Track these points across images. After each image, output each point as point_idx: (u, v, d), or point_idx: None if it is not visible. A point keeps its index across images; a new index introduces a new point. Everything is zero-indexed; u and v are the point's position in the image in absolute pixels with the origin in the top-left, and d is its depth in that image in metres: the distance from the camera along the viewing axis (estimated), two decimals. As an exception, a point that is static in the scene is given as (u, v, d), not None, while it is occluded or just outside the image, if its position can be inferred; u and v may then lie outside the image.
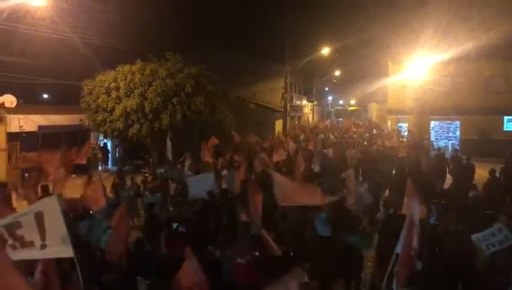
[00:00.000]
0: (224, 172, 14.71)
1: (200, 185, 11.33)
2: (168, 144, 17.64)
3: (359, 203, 9.84)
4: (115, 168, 25.50)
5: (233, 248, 7.34)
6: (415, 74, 31.52)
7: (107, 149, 27.86)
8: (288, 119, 35.07)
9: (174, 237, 8.07)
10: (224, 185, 12.71)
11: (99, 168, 26.55)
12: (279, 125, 36.27)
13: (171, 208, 10.83)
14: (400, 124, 35.63)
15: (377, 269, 8.05)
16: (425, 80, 31.18)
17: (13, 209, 8.32)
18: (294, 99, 42.84)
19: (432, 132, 33.35)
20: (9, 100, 22.68)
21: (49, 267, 5.21)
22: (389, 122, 38.20)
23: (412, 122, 33.19)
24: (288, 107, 34.60)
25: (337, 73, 54.83)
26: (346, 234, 8.13)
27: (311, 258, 7.00)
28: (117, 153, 27.82)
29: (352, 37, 35.51)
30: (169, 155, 17.37)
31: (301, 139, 27.87)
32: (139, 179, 15.89)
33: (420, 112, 32.01)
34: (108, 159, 27.66)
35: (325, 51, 34.94)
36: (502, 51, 28.09)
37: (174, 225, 8.62)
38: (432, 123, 33.44)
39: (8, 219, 5.59)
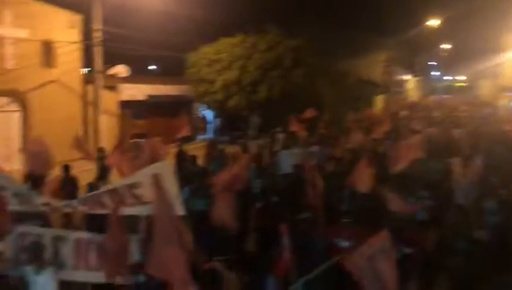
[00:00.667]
0: (314, 148, 14.25)
1: (289, 160, 11.27)
2: (255, 119, 17.55)
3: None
4: (214, 138, 26.45)
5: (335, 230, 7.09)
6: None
7: (208, 120, 28.94)
8: (389, 95, 33.73)
9: (266, 210, 8.12)
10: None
11: (199, 137, 27.71)
12: (379, 101, 34.99)
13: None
14: (514, 103, 32.63)
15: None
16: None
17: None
18: (396, 74, 40.92)
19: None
20: (123, 70, 24.40)
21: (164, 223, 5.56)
22: (502, 101, 35.09)
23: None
24: (389, 83, 33.18)
25: (445, 46, 51.14)
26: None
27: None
28: (217, 124, 28.82)
29: (464, 4, 32.60)
30: (253, 130, 17.26)
31: (401, 116, 26.51)
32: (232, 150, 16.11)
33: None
34: (208, 129, 28.77)
35: (433, 22, 32.70)
36: None
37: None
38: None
39: (129, 179, 6.26)
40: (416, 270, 5.74)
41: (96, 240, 5.80)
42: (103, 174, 10.78)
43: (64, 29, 19.38)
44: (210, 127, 29.12)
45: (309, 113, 18.69)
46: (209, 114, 29.19)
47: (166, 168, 6.03)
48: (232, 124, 27.16)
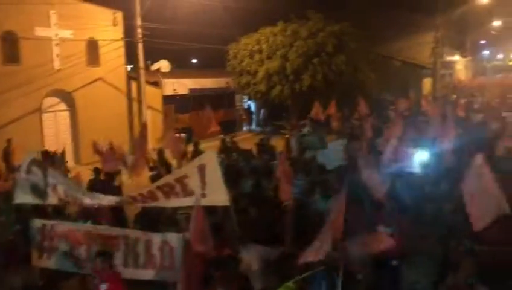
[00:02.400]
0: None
1: (329, 155, 10.71)
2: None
3: None
4: (258, 129, 26.35)
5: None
6: None
7: (251, 111, 28.84)
8: (438, 77, 32.35)
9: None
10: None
11: (244, 128, 27.68)
12: (427, 84, 33.65)
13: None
14: None
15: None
16: None
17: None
18: (444, 55, 39.14)
19: None
20: (165, 65, 24.61)
21: (202, 217, 5.59)
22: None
23: None
24: (438, 64, 31.80)
25: (497, 23, 48.46)
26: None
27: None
28: (261, 115, 28.64)
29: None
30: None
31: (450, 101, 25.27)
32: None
33: None
34: (252, 120, 28.66)
35: (484, -2, 30.97)
36: None
37: None
38: None
39: (177, 172, 6.64)
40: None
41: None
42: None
43: (107, 28, 19.66)
44: (254, 118, 29.00)
45: (331, 108, 18.06)
46: (252, 105, 29.06)
47: (211, 159, 6.11)
48: (276, 114, 26.89)
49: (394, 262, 6.66)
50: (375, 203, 7.23)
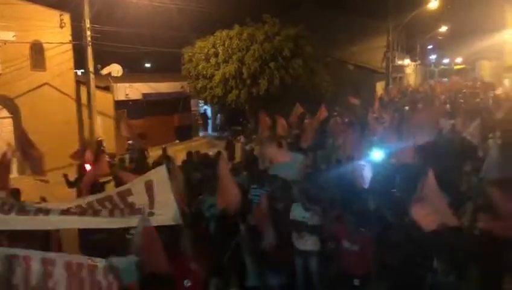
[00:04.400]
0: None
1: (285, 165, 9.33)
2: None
3: None
4: (215, 134, 25.88)
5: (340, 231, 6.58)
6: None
7: (207, 115, 28.30)
8: (389, 81, 33.02)
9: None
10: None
11: (200, 134, 27.11)
12: (380, 87, 34.29)
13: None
14: (519, 83, 31.94)
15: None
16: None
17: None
18: (396, 59, 40.15)
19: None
20: (116, 69, 23.68)
21: (152, 238, 5.13)
22: (506, 81, 34.41)
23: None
24: (390, 68, 32.48)
25: (443, 29, 50.29)
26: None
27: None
28: (217, 119, 28.15)
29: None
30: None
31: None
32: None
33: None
34: (208, 125, 28.13)
35: (432, 4, 31.92)
36: None
37: None
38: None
39: (122, 188, 5.95)
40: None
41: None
42: None
43: (53, 30, 18.58)
44: (210, 123, 28.49)
45: (298, 109, 17.79)
46: (208, 110, 28.54)
47: (160, 175, 5.71)
48: (233, 119, 26.50)
49: (356, 281, 6.42)
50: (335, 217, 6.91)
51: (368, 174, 8.49)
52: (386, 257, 6.33)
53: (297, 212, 7.04)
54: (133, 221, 5.36)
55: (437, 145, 10.41)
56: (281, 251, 6.59)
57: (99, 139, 17.97)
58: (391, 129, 12.29)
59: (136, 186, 5.64)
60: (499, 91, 28.34)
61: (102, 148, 15.43)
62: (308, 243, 6.92)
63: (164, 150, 12.96)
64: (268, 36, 22.56)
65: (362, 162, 8.72)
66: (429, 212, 5.95)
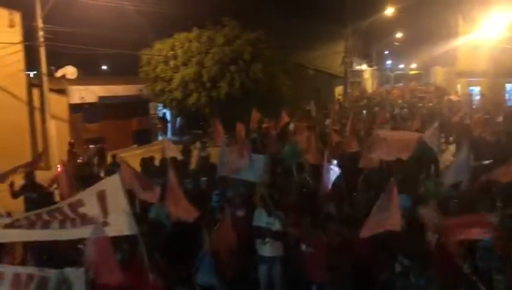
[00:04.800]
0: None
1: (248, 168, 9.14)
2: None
3: None
4: (174, 138, 25.41)
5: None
6: (490, 32, 28.82)
7: (166, 119, 27.82)
8: (348, 85, 33.56)
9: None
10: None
11: (159, 138, 26.58)
12: (339, 92, 34.81)
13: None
14: (471, 88, 33.09)
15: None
16: (501, 38, 28.46)
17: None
18: (354, 64, 40.93)
19: (507, 95, 30.77)
20: (71, 72, 22.84)
21: (106, 248, 5.00)
22: (458, 86, 35.65)
23: (485, 85, 30.68)
24: (348, 73, 33.03)
25: (399, 35, 51.79)
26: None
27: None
28: (177, 123, 27.69)
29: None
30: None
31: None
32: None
33: (495, 74, 29.45)
34: (167, 129, 27.62)
35: (389, 10, 32.71)
36: None
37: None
38: (508, 86, 30.79)
39: (72, 199, 5.64)
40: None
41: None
42: None
43: (2, 29, 17.70)
44: (170, 127, 27.97)
45: (255, 116, 17.71)
46: (168, 113, 28.05)
47: (113, 184, 5.45)
48: (193, 122, 26.13)
49: (314, 287, 6.36)
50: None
51: (332, 177, 8.47)
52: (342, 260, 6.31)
53: (261, 218, 6.90)
54: (85, 232, 5.15)
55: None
56: (244, 259, 6.44)
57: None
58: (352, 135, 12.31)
59: (88, 196, 5.40)
60: (452, 96, 29.33)
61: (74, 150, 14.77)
62: (272, 249, 6.79)
63: (113, 157, 12.48)
64: (228, 39, 22.47)
65: (328, 166, 8.66)
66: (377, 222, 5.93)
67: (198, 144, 14.42)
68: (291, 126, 16.70)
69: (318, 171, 8.90)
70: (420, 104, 26.35)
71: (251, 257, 6.93)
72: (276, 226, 6.76)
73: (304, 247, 6.36)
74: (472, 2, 28.60)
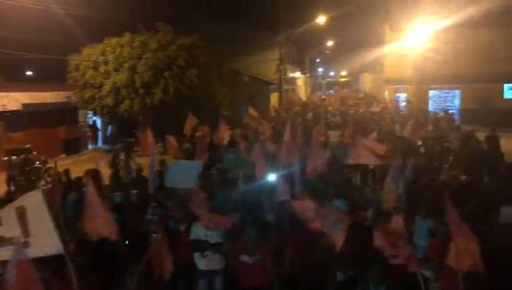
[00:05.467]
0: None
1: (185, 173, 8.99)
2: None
3: None
4: (106, 147, 24.46)
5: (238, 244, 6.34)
6: (415, 42, 30.43)
7: (97, 127, 26.67)
8: (282, 92, 34.00)
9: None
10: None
11: (89, 147, 25.43)
12: (274, 98, 35.19)
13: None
14: (398, 94, 34.70)
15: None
16: (425, 47, 30.13)
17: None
18: (288, 72, 41.61)
19: (430, 101, 32.58)
20: (-9, 77, 21.36)
21: (28, 268, 4.51)
22: (386, 93, 37.26)
23: (411, 92, 32.28)
24: (283, 80, 33.48)
25: (330, 43, 53.42)
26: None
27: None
28: (108, 131, 26.63)
29: (347, 4, 34.06)
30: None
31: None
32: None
33: (420, 82, 31.09)
34: (98, 137, 26.47)
35: (321, 19, 33.59)
36: (501, 17, 27.12)
37: None
38: (431, 93, 32.61)
39: None
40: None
41: None
42: None
43: None
44: (100, 135, 26.82)
45: (191, 121, 17.52)
46: (98, 121, 26.92)
47: (34, 200, 5.01)
48: (125, 130, 25.24)
49: None
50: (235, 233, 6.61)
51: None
52: (286, 268, 6.23)
53: (199, 231, 6.64)
54: (4, 254, 4.68)
55: (333, 157, 10.58)
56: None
57: None
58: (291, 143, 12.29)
59: (6, 214, 4.94)
60: (374, 108, 30.40)
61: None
62: (211, 263, 6.55)
63: (66, 172, 11.55)
64: (162, 45, 21.99)
65: (271, 174, 8.60)
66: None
67: (125, 155, 13.35)
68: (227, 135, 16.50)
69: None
70: (352, 112, 27.13)
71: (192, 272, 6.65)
72: (215, 238, 6.54)
73: (246, 258, 6.17)
74: (398, 12, 29.98)
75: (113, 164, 11.77)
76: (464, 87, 31.07)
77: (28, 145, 18.41)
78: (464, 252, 4.63)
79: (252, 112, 21.06)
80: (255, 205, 7.81)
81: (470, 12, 26.73)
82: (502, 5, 25.53)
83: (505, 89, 31.05)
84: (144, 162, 12.15)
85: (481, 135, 14.65)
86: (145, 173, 10.53)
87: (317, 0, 37.30)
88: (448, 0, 27.66)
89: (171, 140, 14.17)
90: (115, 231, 6.09)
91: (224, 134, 16.43)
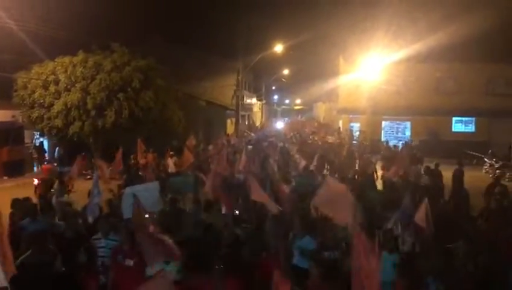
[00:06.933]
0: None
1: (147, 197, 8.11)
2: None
3: None
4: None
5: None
6: (368, 74, 31.32)
7: (44, 149, 25.44)
8: (238, 118, 33.88)
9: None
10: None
11: (35, 169, 24.13)
12: (230, 124, 35.00)
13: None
14: (351, 124, 35.44)
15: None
16: (378, 79, 31.06)
17: None
18: (245, 98, 41.73)
19: (382, 132, 33.45)
20: None
21: None
22: (340, 122, 37.98)
23: (365, 122, 33.03)
24: (238, 106, 33.43)
25: (286, 72, 54.31)
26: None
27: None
28: (56, 153, 25.40)
29: (303, 35, 34.80)
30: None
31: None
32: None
33: (373, 112, 31.90)
34: (45, 159, 25.21)
35: (278, 48, 34.02)
36: (449, 52, 28.37)
37: None
38: (383, 123, 33.52)
39: None
40: None
41: None
42: None
43: None
44: (47, 157, 25.54)
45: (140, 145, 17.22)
46: (45, 142, 25.67)
47: None
48: (74, 152, 24.14)
49: None
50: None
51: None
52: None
53: (156, 266, 6.08)
54: None
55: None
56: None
57: None
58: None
59: None
60: (337, 136, 30.90)
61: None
62: None
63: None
64: (116, 66, 21.36)
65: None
66: None
67: (57, 186, 12.08)
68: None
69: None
70: (310, 141, 27.34)
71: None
72: (175, 275, 6.01)
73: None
74: (352, 44, 30.83)
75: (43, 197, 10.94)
76: (415, 119, 32.20)
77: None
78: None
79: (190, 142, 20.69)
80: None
81: (417, 47, 27.87)
82: (446, 42, 26.70)
83: (453, 123, 32.37)
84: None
85: (430, 165, 15.02)
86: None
87: (275, 29, 37.95)
88: (398, 36, 28.72)
89: (102, 166, 13.45)
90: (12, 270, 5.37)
91: (170, 163, 16.33)
